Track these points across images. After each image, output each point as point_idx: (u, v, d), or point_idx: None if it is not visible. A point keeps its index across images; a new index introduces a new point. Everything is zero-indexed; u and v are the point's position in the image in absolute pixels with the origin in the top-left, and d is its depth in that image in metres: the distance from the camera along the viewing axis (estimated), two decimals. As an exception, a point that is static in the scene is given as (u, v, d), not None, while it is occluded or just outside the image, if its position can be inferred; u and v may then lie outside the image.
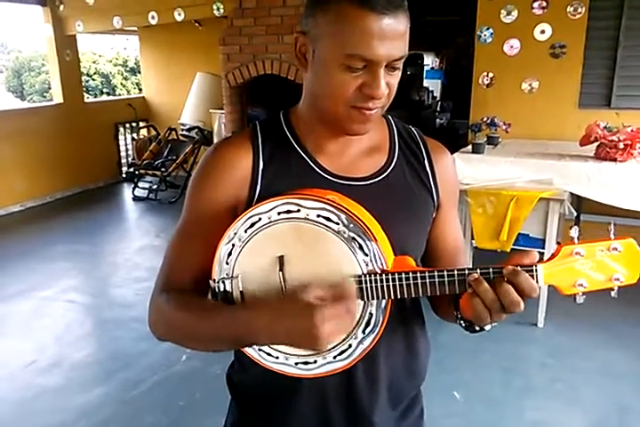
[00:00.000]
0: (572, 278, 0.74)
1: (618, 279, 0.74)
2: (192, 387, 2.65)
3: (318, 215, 0.77)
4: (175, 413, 2.47)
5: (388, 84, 0.79)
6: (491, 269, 0.74)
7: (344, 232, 0.76)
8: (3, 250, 4.67)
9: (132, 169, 6.55)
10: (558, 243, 3.10)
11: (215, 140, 6.05)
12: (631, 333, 3.09)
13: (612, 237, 0.74)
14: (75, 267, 4.33)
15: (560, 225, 3.41)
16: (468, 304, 0.76)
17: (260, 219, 0.78)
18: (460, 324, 0.83)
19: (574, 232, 0.74)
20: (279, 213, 0.77)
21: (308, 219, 0.77)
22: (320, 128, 0.88)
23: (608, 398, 2.53)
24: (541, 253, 3.07)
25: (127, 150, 7.52)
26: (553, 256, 0.75)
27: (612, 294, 0.75)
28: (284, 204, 0.78)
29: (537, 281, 0.74)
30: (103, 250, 4.83)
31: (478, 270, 0.75)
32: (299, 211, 0.77)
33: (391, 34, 0.75)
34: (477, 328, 0.81)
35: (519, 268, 0.73)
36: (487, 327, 0.80)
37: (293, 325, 0.70)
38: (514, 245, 3.09)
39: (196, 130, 6.29)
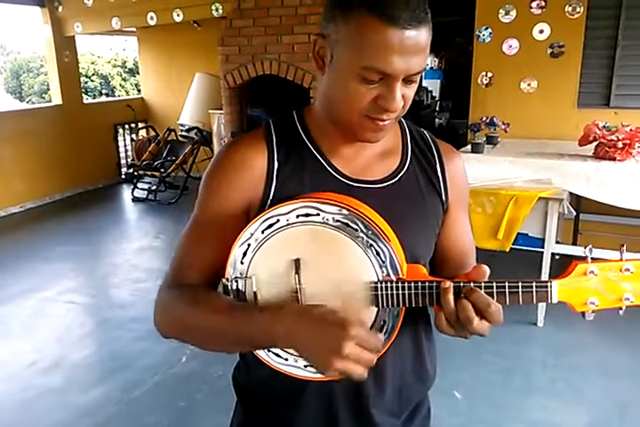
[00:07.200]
0: (584, 296, 0.76)
1: (628, 299, 0.76)
2: (192, 388, 2.65)
3: (337, 220, 0.76)
4: (176, 413, 2.47)
5: (404, 95, 0.78)
6: (461, 284, 0.76)
7: (362, 238, 0.76)
8: (2, 251, 4.67)
9: (131, 170, 6.54)
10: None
11: (214, 141, 6.05)
12: (631, 331, 3.08)
13: (624, 258, 0.76)
14: (74, 268, 4.33)
15: (559, 224, 3.41)
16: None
17: (277, 220, 0.78)
18: None
19: (588, 251, 0.76)
20: (298, 216, 0.77)
21: (326, 223, 0.77)
22: (334, 131, 0.86)
23: (609, 396, 2.53)
24: (540, 253, 3.08)
25: (126, 151, 7.52)
26: (567, 273, 0.77)
27: (620, 312, 0.77)
28: (303, 207, 0.77)
29: (551, 297, 0.75)
30: (102, 251, 4.82)
31: (452, 283, 0.76)
32: (318, 215, 0.77)
33: (411, 49, 0.73)
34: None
35: (534, 283, 0.75)
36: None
37: (320, 338, 0.69)
38: (513, 244, 3.09)
39: (195, 130, 6.29)
